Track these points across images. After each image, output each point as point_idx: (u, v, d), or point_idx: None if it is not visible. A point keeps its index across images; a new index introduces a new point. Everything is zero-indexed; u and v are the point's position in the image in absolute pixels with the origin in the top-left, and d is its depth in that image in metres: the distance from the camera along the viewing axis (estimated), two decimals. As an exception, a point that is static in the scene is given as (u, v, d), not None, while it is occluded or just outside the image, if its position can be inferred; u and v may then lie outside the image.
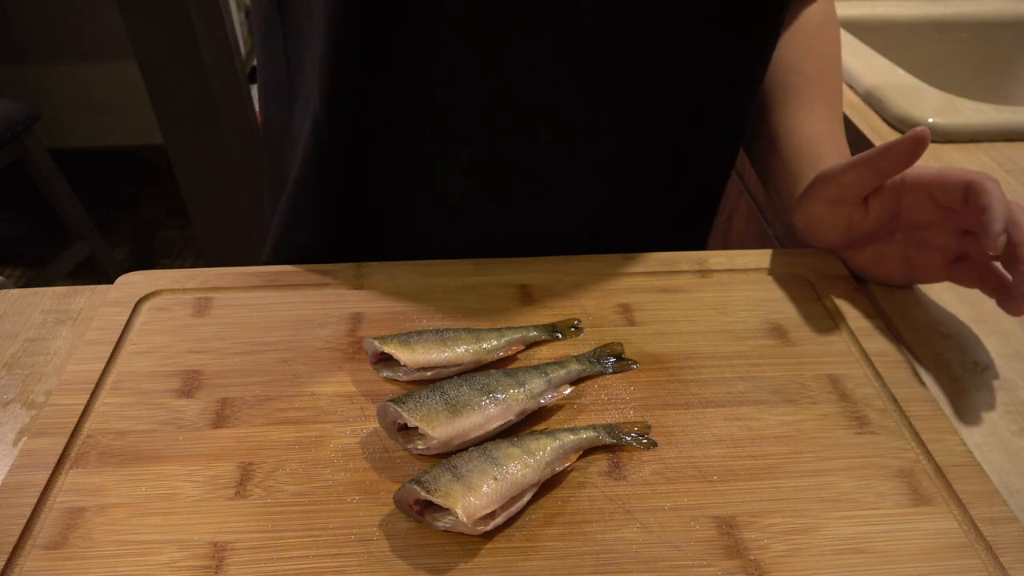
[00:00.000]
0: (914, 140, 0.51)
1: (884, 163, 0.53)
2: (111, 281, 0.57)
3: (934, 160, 0.78)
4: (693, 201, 0.72)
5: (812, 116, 0.65)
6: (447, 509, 0.39)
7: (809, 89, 0.66)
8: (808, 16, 0.70)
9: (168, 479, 0.43)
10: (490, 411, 0.45)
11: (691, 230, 0.74)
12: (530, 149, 0.61)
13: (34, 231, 2.46)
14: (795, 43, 0.69)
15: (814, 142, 0.63)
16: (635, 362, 0.52)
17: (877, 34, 1.08)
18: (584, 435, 0.45)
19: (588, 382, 0.50)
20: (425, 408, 0.44)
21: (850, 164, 0.55)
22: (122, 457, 0.44)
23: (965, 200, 0.50)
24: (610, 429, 0.46)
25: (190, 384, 0.49)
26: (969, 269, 0.54)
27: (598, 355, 0.52)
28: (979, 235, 0.48)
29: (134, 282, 0.57)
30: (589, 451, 0.45)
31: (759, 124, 0.68)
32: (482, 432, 0.45)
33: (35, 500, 0.41)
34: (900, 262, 0.58)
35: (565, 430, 0.45)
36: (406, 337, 0.50)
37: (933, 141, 0.79)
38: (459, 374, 0.49)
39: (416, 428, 0.44)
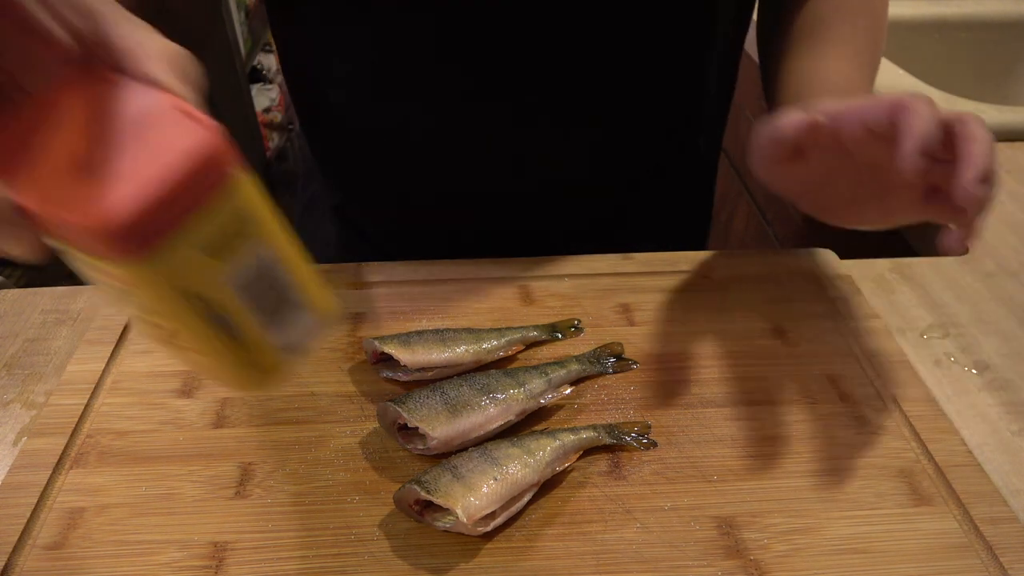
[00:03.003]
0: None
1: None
2: (111, 281, 0.57)
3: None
4: (687, 183, 0.72)
5: (823, 61, 0.58)
6: (447, 509, 0.39)
7: (822, 32, 0.60)
8: None
9: (168, 479, 0.43)
10: (490, 411, 0.45)
11: (690, 218, 0.73)
12: (529, 139, 0.61)
13: (34, 231, 2.45)
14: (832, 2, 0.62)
15: (808, 81, 0.57)
16: (635, 362, 0.52)
17: (877, 34, 1.08)
18: (584, 435, 0.45)
19: (588, 382, 0.50)
20: (425, 408, 0.44)
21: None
22: (122, 457, 0.44)
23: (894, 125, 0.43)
24: (610, 429, 0.46)
25: (190, 384, 0.49)
26: (944, 202, 0.45)
27: (598, 355, 0.51)
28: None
29: (134, 282, 0.57)
30: (589, 451, 0.45)
31: (774, 71, 0.63)
32: (482, 432, 0.45)
33: (35, 500, 0.41)
34: (874, 208, 0.50)
35: (565, 430, 0.45)
36: (406, 337, 0.50)
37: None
38: (459, 374, 0.49)
39: (416, 428, 0.44)
